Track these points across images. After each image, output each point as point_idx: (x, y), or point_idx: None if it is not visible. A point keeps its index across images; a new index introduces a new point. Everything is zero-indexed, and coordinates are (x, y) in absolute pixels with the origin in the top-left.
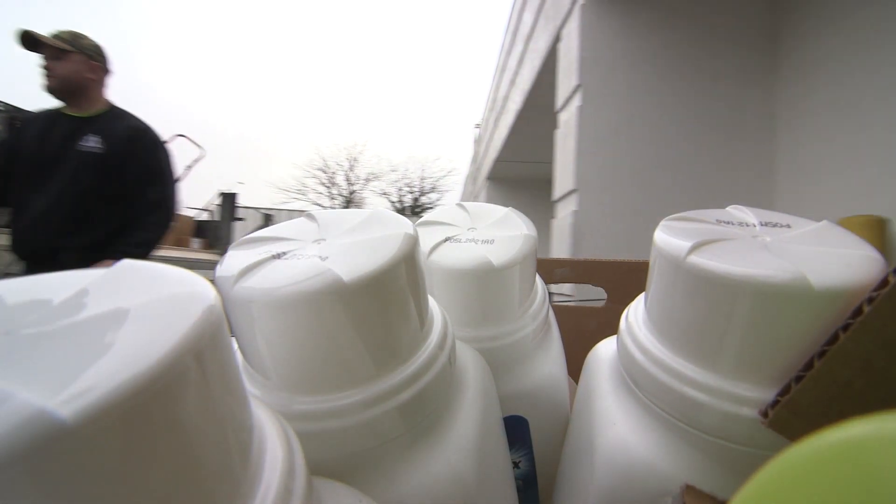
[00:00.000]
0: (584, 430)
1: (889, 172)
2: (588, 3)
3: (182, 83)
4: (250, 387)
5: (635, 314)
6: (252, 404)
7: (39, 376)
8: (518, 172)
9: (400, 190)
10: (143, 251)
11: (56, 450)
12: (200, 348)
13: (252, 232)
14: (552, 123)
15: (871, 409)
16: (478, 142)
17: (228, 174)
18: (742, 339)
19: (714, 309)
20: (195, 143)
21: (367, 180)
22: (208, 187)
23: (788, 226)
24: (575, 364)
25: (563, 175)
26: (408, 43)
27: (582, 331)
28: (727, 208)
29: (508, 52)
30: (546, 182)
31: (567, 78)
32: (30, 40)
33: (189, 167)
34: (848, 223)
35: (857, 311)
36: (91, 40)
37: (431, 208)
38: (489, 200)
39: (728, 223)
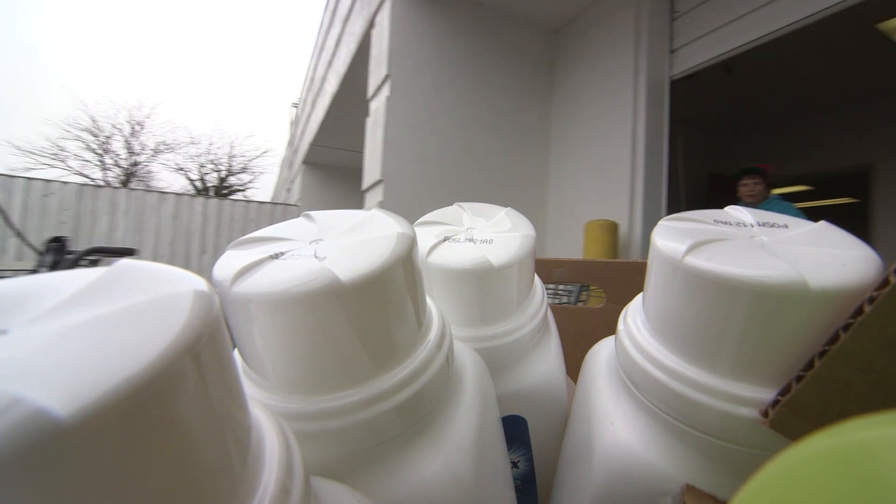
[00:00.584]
0: (582, 430)
1: (619, 188)
2: None
3: None
4: (248, 387)
5: (633, 314)
6: (250, 404)
7: (36, 376)
8: (335, 159)
9: (202, 167)
10: None
11: (54, 449)
12: (198, 348)
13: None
14: (367, 111)
15: (871, 408)
16: (295, 123)
17: None
18: (740, 340)
19: (711, 309)
20: None
21: (157, 151)
22: None
23: (786, 226)
24: (573, 364)
25: (372, 165)
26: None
27: (580, 331)
28: (725, 208)
29: (327, 32)
30: (361, 171)
31: (378, 67)
32: None
33: None
34: (592, 225)
35: (858, 311)
36: None
37: (242, 190)
38: (305, 186)
39: (725, 223)
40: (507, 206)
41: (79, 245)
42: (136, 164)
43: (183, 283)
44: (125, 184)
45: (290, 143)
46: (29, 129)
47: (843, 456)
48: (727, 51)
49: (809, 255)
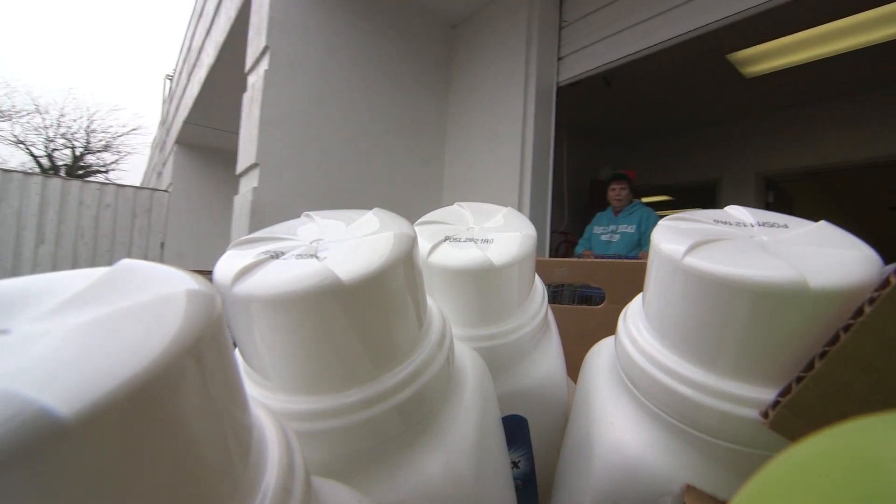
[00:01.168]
0: (583, 430)
1: (508, 188)
2: None
3: None
4: (249, 387)
5: (633, 314)
6: (251, 404)
7: (38, 375)
8: (212, 140)
9: (51, 140)
10: None
11: (56, 449)
12: (200, 347)
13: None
14: (245, 87)
15: (871, 409)
16: (169, 99)
17: None
18: (740, 340)
19: (712, 309)
20: None
21: None
22: None
23: (786, 226)
24: (573, 364)
25: (247, 146)
26: None
27: (581, 331)
28: (725, 208)
29: None
30: None
31: (257, 36)
32: None
33: None
34: None
35: (859, 312)
36: None
37: (104, 172)
38: (177, 170)
39: (725, 223)
40: (402, 202)
41: None
42: None
43: (185, 284)
44: None
45: (163, 122)
46: None
47: (843, 456)
48: (605, 63)
49: (809, 254)
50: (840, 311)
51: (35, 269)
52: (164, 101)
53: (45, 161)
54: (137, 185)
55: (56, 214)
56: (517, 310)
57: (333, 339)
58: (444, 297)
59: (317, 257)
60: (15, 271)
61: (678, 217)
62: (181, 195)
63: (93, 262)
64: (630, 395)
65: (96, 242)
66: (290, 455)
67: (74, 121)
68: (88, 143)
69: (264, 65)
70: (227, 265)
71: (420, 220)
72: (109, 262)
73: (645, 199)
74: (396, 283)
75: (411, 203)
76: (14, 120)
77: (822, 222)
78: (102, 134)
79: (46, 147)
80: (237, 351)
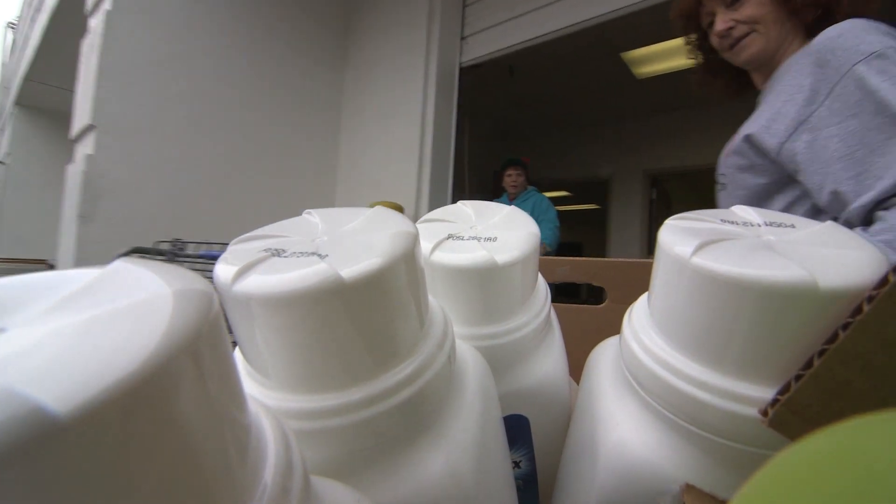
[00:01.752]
0: (586, 429)
1: (407, 170)
2: None
3: None
4: (249, 385)
5: (638, 314)
6: (250, 402)
7: (34, 373)
8: (59, 103)
9: None
10: None
11: (51, 447)
12: (196, 345)
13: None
14: None
15: (870, 408)
16: (11, 52)
17: None
18: (748, 340)
19: (720, 309)
20: None
21: None
22: None
23: (793, 226)
24: (576, 364)
25: (82, 103)
26: None
27: (583, 330)
28: (731, 208)
29: None
30: None
31: None
32: None
33: None
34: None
35: (858, 310)
36: None
37: None
38: (16, 137)
39: (732, 223)
40: (288, 186)
41: None
42: None
43: (181, 282)
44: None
45: (2, 82)
46: None
47: (842, 456)
48: (507, 46)
49: (817, 254)
50: (848, 311)
51: None
52: (3, 55)
53: None
54: None
55: None
56: (520, 308)
57: (334, 337)
58: (447, 296)
59: (318, 255)
60: None
61: (684, 217)
62: (22, 165)
63: None
64: (635, 396)
65: None
66: (289, 454)
67: None
68: None
69: (107, 4)
70: (227, 262)
71: (422, 218)
72: None
73: (547, 194)
74: (398, 281)
75: (298, 188)
76: None
77: (828, 223)
78: None
79: None
80: (237, 349)
